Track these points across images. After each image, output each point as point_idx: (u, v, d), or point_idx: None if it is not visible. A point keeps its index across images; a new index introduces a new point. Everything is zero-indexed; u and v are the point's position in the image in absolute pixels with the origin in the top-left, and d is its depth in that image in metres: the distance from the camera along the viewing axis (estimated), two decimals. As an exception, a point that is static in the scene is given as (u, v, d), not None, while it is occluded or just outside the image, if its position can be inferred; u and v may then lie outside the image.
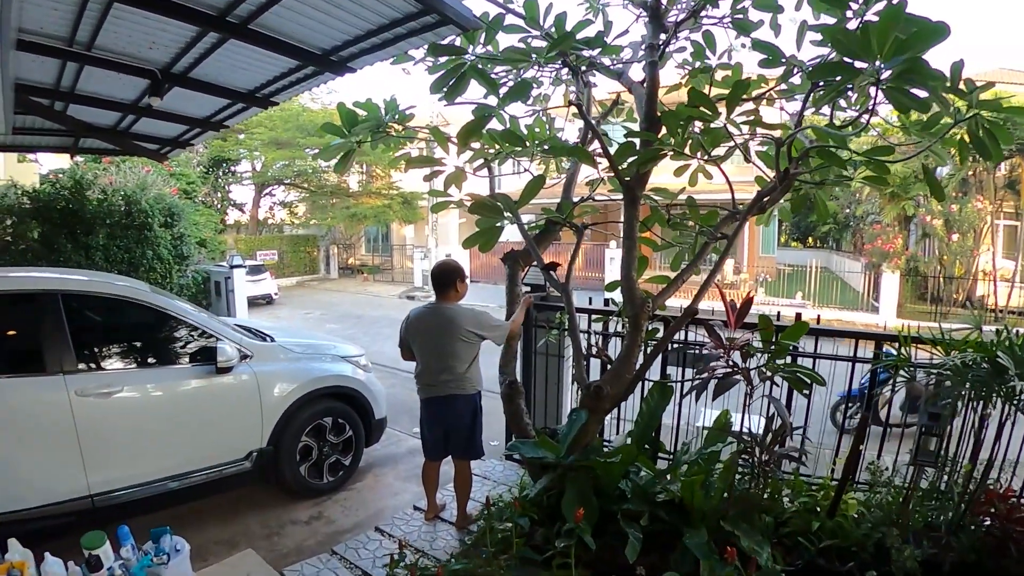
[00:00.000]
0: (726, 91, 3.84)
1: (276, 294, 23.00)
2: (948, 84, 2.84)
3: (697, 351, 4.74)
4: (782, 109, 4.86)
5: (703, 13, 4.41)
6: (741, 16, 4.37)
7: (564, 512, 3.69)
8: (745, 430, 3.73)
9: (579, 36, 4.09)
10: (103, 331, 4.80)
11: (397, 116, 4.50)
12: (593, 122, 4.47)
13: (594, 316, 5.36)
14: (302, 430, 5.30)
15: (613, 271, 21.69)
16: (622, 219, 4.25)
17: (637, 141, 3.97)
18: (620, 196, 4.24)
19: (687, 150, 3.78)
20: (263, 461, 5.05)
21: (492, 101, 4.19)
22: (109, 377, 4.38)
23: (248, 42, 4.65)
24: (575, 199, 4.88)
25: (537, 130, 4.59)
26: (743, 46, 4.67)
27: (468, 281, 4.68)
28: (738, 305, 3.82)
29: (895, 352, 4.03)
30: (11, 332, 4.40)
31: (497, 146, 4.39)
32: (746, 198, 4.13)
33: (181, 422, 4.66)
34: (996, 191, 18.12)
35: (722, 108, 3.53)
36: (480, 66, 4.04)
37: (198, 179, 24.22)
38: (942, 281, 19.07)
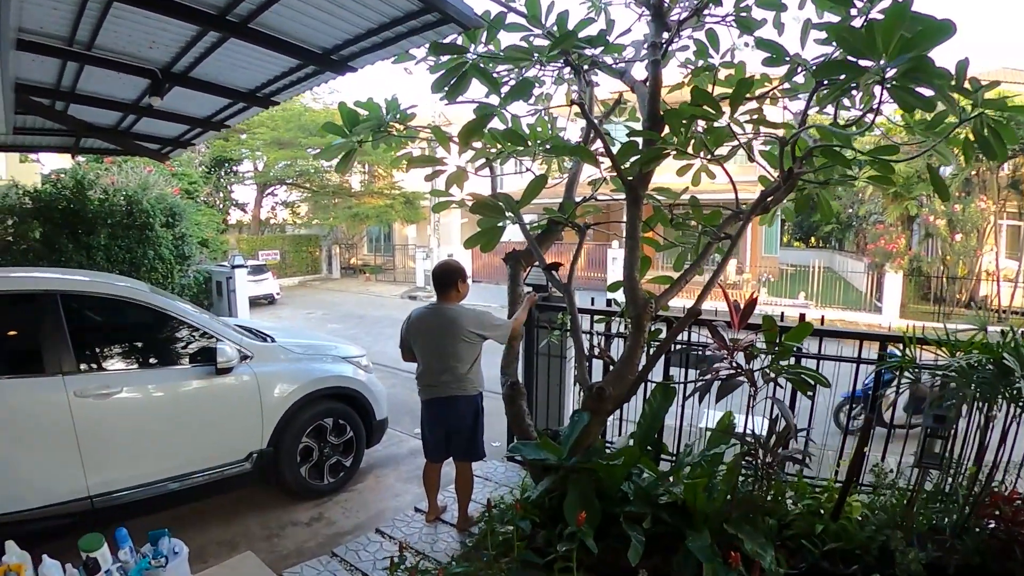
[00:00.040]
0: (729, 90, 3.82)
1: (278, 294, 22.99)
2: (953, 83, 2.81)
3: (700, 352, 4.71)
4: (785, 108, 4.84)
5: (706, 11, 4.38)
6: (745, 14, 4.33)
7: (566, 514, 3.66)
8: (748, 432, 3.70)
9: (581, 35, 4.07)
10: (102, 332, 4.78)
11: (398, 116, 4.48)
12: (595, 121, 4.44)
13: (596, 317, 5.34)
14: (303, 431, 5.28)
15: (615, 271, 21.67)
16: (625, 219, 4.22)
17: (640, 140, 3.95)
18: (623, 196, 4.21)
19: (690, 149, 3.75)
20: (263, 462, 5.03)
21: (494, 100, 4.17)
22: (108, 378, 4.36)
23: (248, 41, 4.63)
24: (577, 199, 4.85)
25: (539, 129, 4.57)
26: (746, 45, 4.64)
27: (470, 281, 4.65)
28: (742, 306, 3.79)
29: (899, 353, 4.00)
30: (10, 333, 4.39)
31: (499, 146, 4.37)
32: (749, 198, 4.10)
33: (181, 423, 4.64)
34: (999, 191, 18.08)
35: (725, 107, 3.50)
36: (482, 65, 4.02)
37: (200, 179, 24.23)
38: (945, 281, 19.02)
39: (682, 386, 4.64)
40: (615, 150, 3.97)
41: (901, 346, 3.95)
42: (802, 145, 3.57)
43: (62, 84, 5.95)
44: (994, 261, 18.49)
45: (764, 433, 3.78)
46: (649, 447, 4.51)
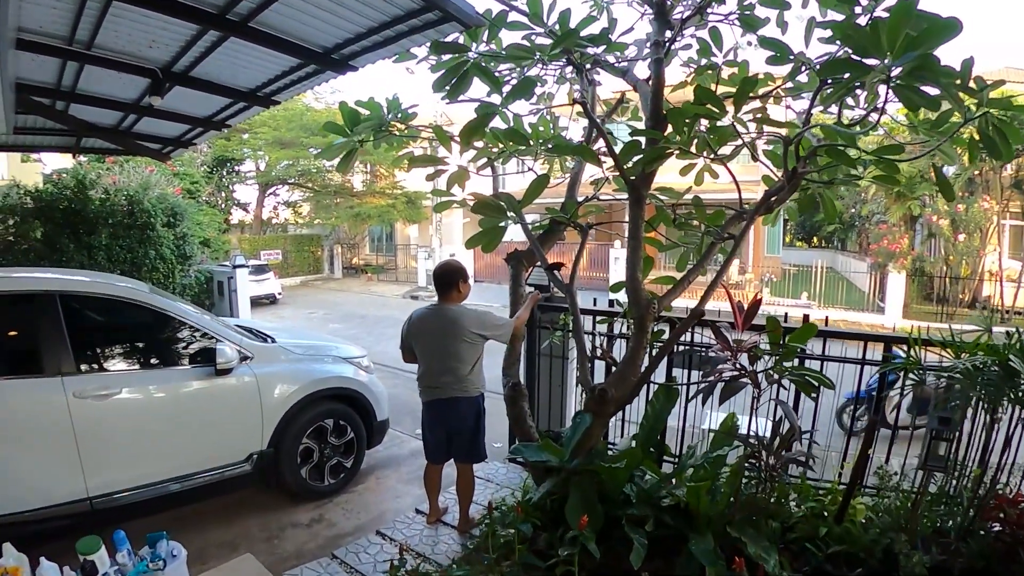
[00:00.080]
0: (732, 89, 3.79)
1: (280, 294, 22.98)
2: (958, 82, 2.78)
3: (703, 352, 4.69)
4: (788, 107, 4.81)
5: (709, 10, 4.35)
6: (748, 13, 4.30)
7: (568, 517, 3.64)
8: (752, 433, 3.68)
9: (583, 33, 4.03)
10: (101, 332, 4.76)
11: (400, 115, 4.45)
12: (598, 120, 4.41)
13: (599, 317, 5.31)
14: (303, 432, 5.26)
15: (617, 271, 21.64)
16: (627, 219, 4.19)
17: (643, 139, 3.92)
18: (625, 196, 4.19)
19: (693, 149, 3.72)
20: (263, 463, 5.00)
21: (495, 99, 4.14)
22: (107, 379, 4.34)
23: (249, 40, 4.61)
24: (579, 199, 4.82)
25: (541, 129, 4.54)
26: (749, 44, 4.62)
27: (471, 281, 4.62)
28: (745, 306, 3.76)
29: (903, 354, 3.98)
30: (9, 333, 4.37)
31: (500, 145, 4.34)
32: (751, 197, 4.07)
33: (180, 424, 4.62)
34: (1002, 191, 18.03)
35: (729, 106, 3.47)
36: (483, 64, 4.00)
37: (202, 179, 24.28)
38: (948, 282, 18.98)
39: (685, 387, 4.61)
40: (617, 149, 3.94)
41: (905, 347, 3.92)
42: (806, 144, 3.54)
43: (62, 84, 5.94)
44: (997, 261, 18.45)
45: (768, 435, 3.75)
46: (651, 448, 4.49)
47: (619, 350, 4.82)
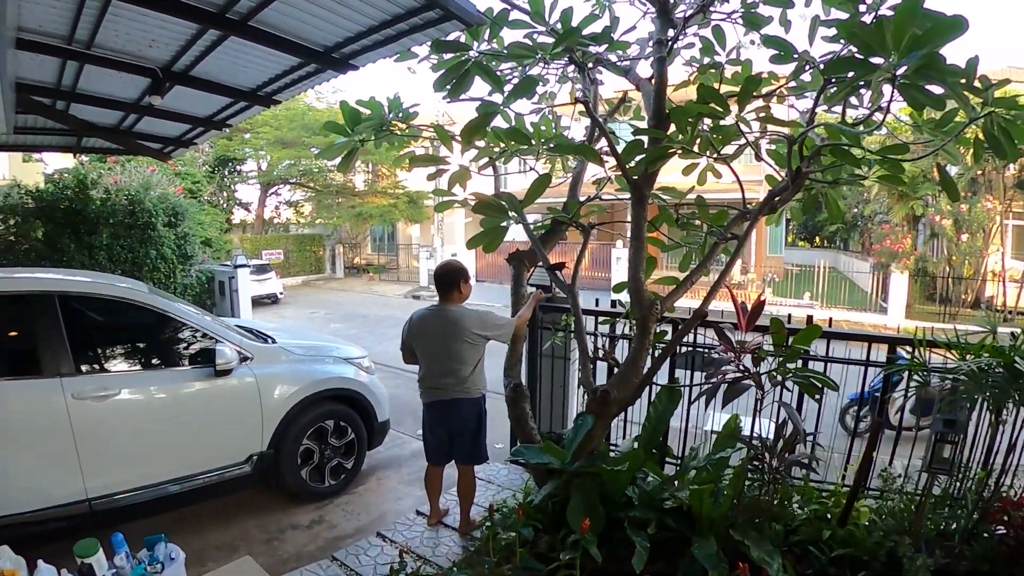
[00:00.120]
0: (735, 88, 3.76)
1: (281, 293, 22.99)
2: (963, 81, 2.75)
3: (706, 353, 4.66)
4: (792, 107, 4.78)
5: (712, 8, 4.32)
6: (752, 11, 4.27)
7: (569, 520, 3.61)
8: (755, 435, 3.65)
9: (585, 32, 4.02)
10: (100, 333, 4.75)
11: (401, 114, 4.43)
12: (600, 120, 4.39)
13: (601, 318, 5.28)
14: (303, 433, 5.24)
15: (619, 271, 21.62)
16: (629, 219, 4.16)
17: (645, 139, 3.89)
18: (627, 195, 4.16)
19: (696, 148, 3.69)
20: (263, 464, 4.98)
21: (497, 98, 4.12)
22: (106, 380, 4.32)
23: (249, 39, 4.60)
24: (581, 198, 4.80)
25: (543, 128, 4.52)
26: (752, 43, 4.59)
27: (473, 281, 4.60)
28: (749, 307, 3.73)
29: (907, 356, 3.95)
30: (7, 334, 4.35)
31: (502, 144, 4.32)
32: (754, 197, 4.04)
33: (179, 425, 4.60)
34: (1005, 190, 17.99)
35: (732, 105, 3.45)
36: (484, 63, 3.97)
37: (204, 178, 24.27)
38: (951, 282, 18.94)
39: (688, 389, 4.59)
40: (620, 149, 3.92)
41: (909, 348, 3.90)
42: (810, 144, 3.52)
43: (62, 83, 5.93)
44: (1000, 261, 18.42)
45: (771, 436, 3.72)
46: (654, 450, 4.47)
47: (621, 351, 4.79)
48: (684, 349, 4.86)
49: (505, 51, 4.20)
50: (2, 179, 18.80)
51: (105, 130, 7.69)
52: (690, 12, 4.27)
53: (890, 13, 2.81)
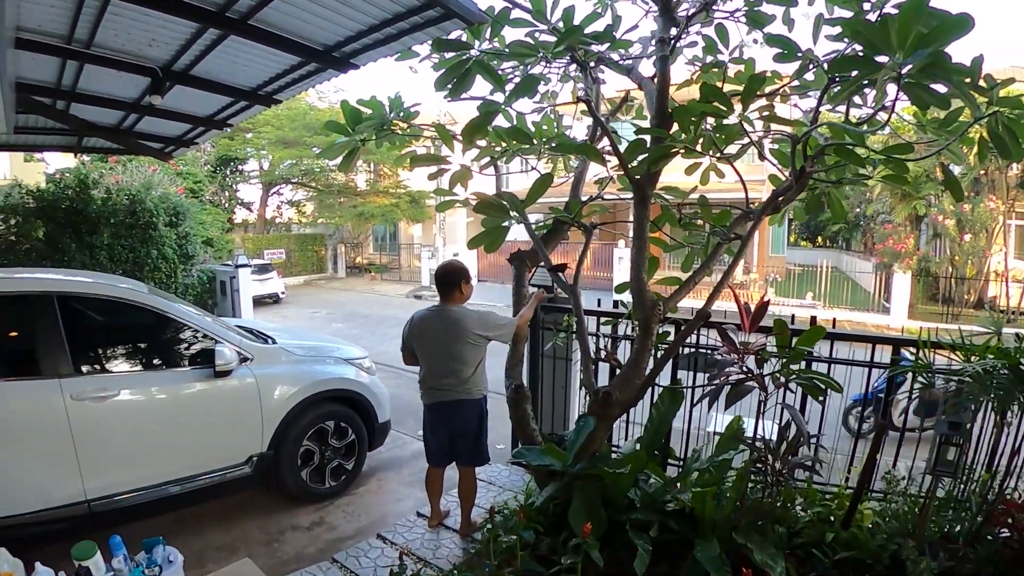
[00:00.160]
0: (738, 87, 3.74)
1: (283, 293, 23.02)
2: (967, 80, 2.73)
3: (709, 354, 4.64)
4: (795, 106, 4.76)
5: (715, 6, 4.30)
6: (755, 9, 4.25)
7: (571, 522, 3.59)
8: (758, 436, 3.62)
9: (587, 30, 3.99)
10: (100, 333, 4.73)
11: (402, 114, 4.41)
12: (602, 119, 4.36)
13: (603, 319, 5.25)
14: (304, 434, 5.22)
15: (622, 271, 21.59)
16: (632, 218, 4.14)
17: (648, 138, 3.87)
18: (630, 195, 4.13)
19: (699, 147, 3.67)
20: (263, 466, 4.96)
21: (498, 97, 4.10)
22: (105, 381, 4.30)
23: (249, 38, 4.57)
24: (584, 198, 4.78)
25: (545, 127, 4.49)
26: (755, 41, 4.56)
27: (474, 281, 4.57)
28: (752, 308, 3.71)
29: (910, 357, 3.93)
30: (6, 334, 4.34)
31: (504, 144, 4.30)
32: (756, 197, 4.02)
33: (179, 426, 4.58)
34: (1008, 190, 17.95)
35: (736, 104, 3.42)
36: (486, 61, 3.95)
37: (205, 178, 24.29)
38: (954, 282, 18.91)
39: (690, 390, 4.56)
40: (622, 148, 3.89)
41: (912, 350, 3.87)
42: (813, 144, 3.49)
43: (62, 83, 5.91)
44: (1003, 261, 18.38)
45: (774, 438, 3.69)
46: (656, 452, 4.44)
47: (624, 352, 4.77)
48: (687, 350, 4.84)
49: (507, 50, 4.18)
50: (3, 179, 18.82)
51: (106, 130, 7.67)
52: (693, 10, 4.24)
53: (894, 11, 2.78)
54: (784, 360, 3.56)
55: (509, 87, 4.10)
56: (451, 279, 4.31)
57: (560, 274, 4.54)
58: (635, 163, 3.89)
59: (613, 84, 5.80)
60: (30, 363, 4.07)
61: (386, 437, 6.14)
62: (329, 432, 5.43)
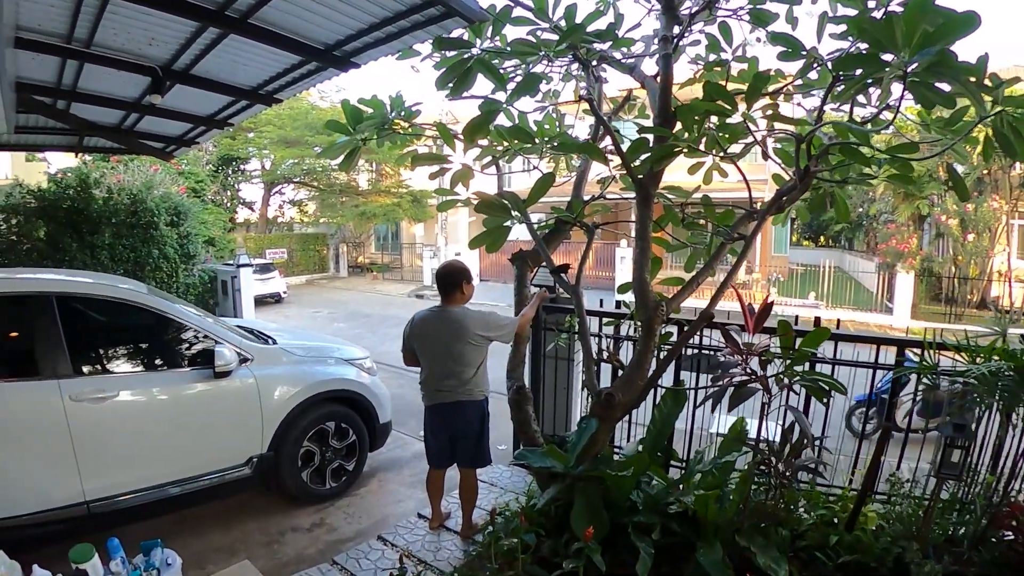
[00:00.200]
0: (741, 86, 3.71)
1: (285, 292, 23.02)
2: (972, 79, 2.69)
3: (712, 355, 4.61)
4: (799, 105, 4.73)
5: (718, 5, 4.27)
6: (759, 7, 4.22)
7: (573, 525, 3.56)
8: (762, 438, 3.59)
9: (590, 28, 3.97)
10: (99, 334, 4.70)
11: (403, 113, 4.39)
12: (604, 118, 4.34)
13: (605, 319, 5.22)
14: (304, 435, 5.19)
15: (624, 270, 21.56)
16: (634, 218, 4.12)
17: (650, 137, 3.84)
18: (632, 194, 4.11)
19: (702, 146, 3.64)
20: (264, 467, 4.94)
21: (500, 96, 4.07)
22: (104, 381, 4.27)
23: (249, 37, 4.55)
24: (586, 197, 4.75)
25: (547, 126, 4.47)
26: (758, 40, 4.54)
27: (476, 281, 4.54)
28: (756, 309, 3.67)
29: (914, 358, 3.90)
30: (4, 335, 4.32)
31: (505, 143, 4.28)
32: (758, 197, 3.99)
33: (178, 427, 4.56)
34: (1012, 190, 17.90)
35: (739, 103, 3.39)
36: (487, 60, 3.92)
37: (207, 177, 24.28)
38: (957, 282, 18.87)
39: (693, 392, 4.54)
40: (625, 147, 3.86)
41: (917, 351, 3.84)
42: (817, 143, 3.46)
43: (63, 82, 5.90)
44: (1006, 261, 18.33)
45: (777, 439, 3.66)
46: (658, 454, 4.41)
47: (626, 353, 4.74)
48: (690, 351, 4.81)
49: (508, 48, 4.15)
50: (4, 178, 18.81)
51: (106, 129, 7.66)
52: (696, 9, 4.22)
53: (899, 9, 2.75)
54: (788, 362, 3.53)
55: (511, 86, 4.08)
56: (452, 279, 4.27)
57: (562, 274, 4.51)
58: (638, 162, 3.87)
59: (615, 83, 5.78)
60: (29, 364, 4.04)
61: (387, 438, 6.11)
62: (330, 433, 5.40)
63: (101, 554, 2.94)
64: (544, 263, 4.67)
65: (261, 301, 19.03)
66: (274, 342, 5.55)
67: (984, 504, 3.57)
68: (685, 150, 3.65)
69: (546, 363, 5.79)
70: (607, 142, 4.37)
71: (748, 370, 3.43)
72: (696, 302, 4.90)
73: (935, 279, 19.41)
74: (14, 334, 4.30)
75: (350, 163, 4.45)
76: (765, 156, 3.86)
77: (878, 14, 3.22)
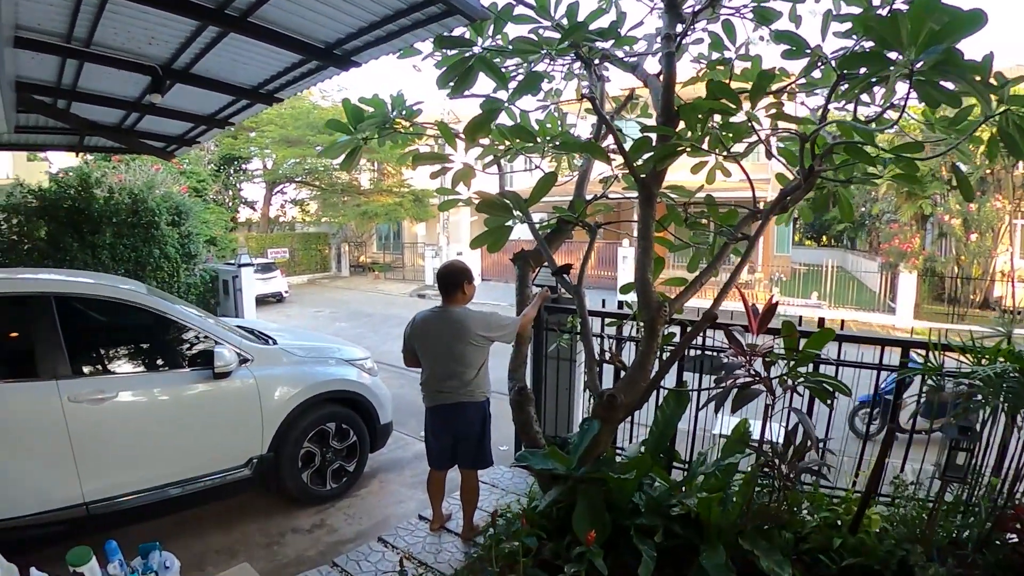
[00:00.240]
0: (744, 85, 3.68)
1: (287, 292, 23.03)
2: (977, 78, 2.66)
3: (716, 356, 4.58)
4: (803, 104, 4.70)
5: (721, 2, 4.24)
6: (762, 5, 4.19)
7: (575, 528, 3.54)
8: (765, 440, 3.56)
9: (592, 27, 3.95)
10: (98, 335, 4.69)
11: (404, 112, 4.36)
12: (607, 117, 4.31)
13: (607, 320, 5.20)
14: (304, 436, 5.17)
15: (626, 270, 21.57)
16: (637, 218, 4.09)
17: (653, 136, 3.81)
18: (635, 194, 4.08)
19: (706, 145, 3.61)
20: (264, 468, 4.92)
21: (502, 95, 4.04)
22: (103, 382, 4.26)
23: (249, 36, 4.52)
24: (588, 197, 4.72)
25: (548, 125, 4.45)
26: (761, 38, 4.51)
27: (478, 281, 4.51)
28: (760, 309, 3.64)
29: (918, 359, 3.88)
30: (3, 336, 4.31)
31: (507, 142, 4.25)
32: (760, 196, 3.96)
33: (178, 428, 4.54)
34: (1015, 190, 17.85)
35: (744, 101, 3.36)
36: (489, 59, 3.90)
37: (209, 177, 24.29)
38: (959, 282, 18.82)
39: (696, 393, 4.51)
40: (627, 146, 3.84)
41: (922, 352, 3.82)
42: (821, 142, 3.43)
43: (63, 82, 5.88)
44: (1009, 261, 18.27)
45: (780, 440, 3.63)
46: (661, 455, 4.39)
47: (628, 354, 4.71)
48: (693, 352, 4.78)
49: (510, 47, 4.12)
50: (5, 178, 18.81)
51: (107, 129, 7.63)
52: (699, 6, 4.18)
53: (904, 7, 2.72)
54: (792, 363, 3.50)
55: (512, 85, 4.05)
56: (454, 279, 4.24)
57: (564, 275, 4.49)
58: (640, 161, 3.84)
59: (618, 82, 5.76)
60: (27, 364, 4.03)
61: (388, 438, 6.10)
62: (330, 434, 5.38)
63: (99, 557, 2.92)
64: (546, 263, 4.64)
65: (263, 300, 19.04)
66: (274, 342, 5.53)
67: (988, 507, 3.54)
68: (688, 149, 3.62)
69: (548, 364, 5.77)
70: (609, 141, 4.35)
71: (752, 371, 3.40)
72: (699, 302, 4.87)
73: (938, 279, 19.36)
74: (13, 335, 4.28)
75: (351, 162, 4.42)
76: (769, 155, 3.83)
77: (883, 12, 3.18)
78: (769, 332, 3.72)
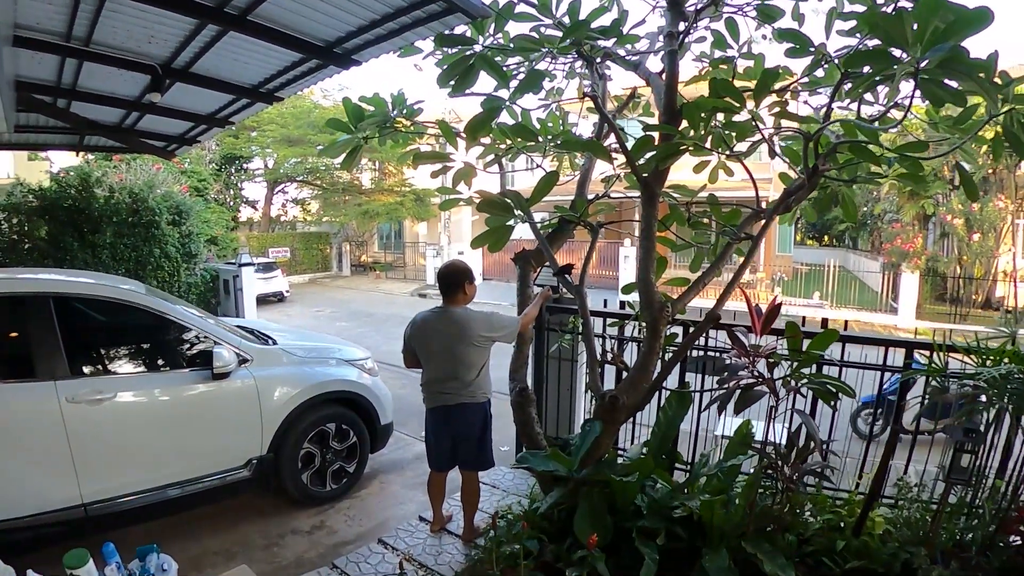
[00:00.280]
0: (747, 84, 3.65)
1: (287, 292, 23.02)
2: (981, 76, 2.63)
3: (718, 356, 4.56)
4: (806, 103, 4.67)
5: (724, 0, 4.21)
6: (766, 3, 4.16)
7: (576, 529, 3.51)
8: (768, 441, 3.54)
9: (594, 25, 3.91)
10: (96, 335, 4.68)
11: (405, 111, 4.34)
12: (609, 116, 4.29)
13: (609, 320, 5.17)
14: (304, 436, 5.15)
15: (627, 270, 21.54)
16: (639, 217, 4.06)
17: (655, 135, 3.78)
18: (637, 193, 4.05)
19: (708, 144, 3.58)
20: (263, 469, 4.90)
21: (503, 94, 4.02)
22: (101, 383, 4.24)
23: (249, 34, 4.50)
24: (589, 196, 4.70)
25: (550, 124, 4.42)
26: (764, 37, 4.48)
27: (479, 280, 4.48)
28: (764, 310, 3.61)
29: (921, 360, 3.85)
30: (1, 336, 4.29)
31: (508, 141, 4.23)
32: (763, 196, 3.93)
33: (176, 429, 4.52)
34: (1017, 189, 17.82)
35: (748, 99, 3.34)
36: (490, 57, 3.87)
37: (210, 176, 24.30)
38: (962, 282, 18.79)
39: (699, 394, 4.48)
40: (629, 145, 3.81)
41: (926, 352, 3.79)
42: (824, 141, 3.40)
43: (63, 81, 5.86)
44: (1011, 261, 18.24)
45: (783, 442, 3.60)
46: (663, 456, 4.36)
47: (630, 354, 4.68)
48: (696, 353, 4.75)
49: (511, 45, 4.09)
50: (6, 177, 18.79)
51: (107, 128, 7.61)
52: (701, 5, 4.16)
53: (909, 6, 2.70)
54: (796, 364, 3.47)
55: (513, 83, 4.02)
56: (454, 279, 4.21)
57: (566, 274, 4.46)
58: (642, 161, 3.81)
59: (620, 80, 5.73)
60: (25, 365, 4.01)
61: (388, 439, 6.07)
62: (330, 434, 5.36)
63: (96, 559, 2.90)
64: (547, 263, 4.61)
65: (264, 300, 19.03)
66: (274, 342, 5.51)
67: (993, 509, 3.51)
68: (691, 148, 3.59)
69: (549, 364, 5.74)
70: (611, 140, 4.32)
71: (755, 373, 3.38)
72: (701, 302, 4.84)
73: (940, 279, 19.34)
74: (11, 335, 4.26)
75: (352, 161, 4.40)
76: (772, 154, 3.80)
77: (888, 10, 3.16)
78: (772, 333, 3.69)
